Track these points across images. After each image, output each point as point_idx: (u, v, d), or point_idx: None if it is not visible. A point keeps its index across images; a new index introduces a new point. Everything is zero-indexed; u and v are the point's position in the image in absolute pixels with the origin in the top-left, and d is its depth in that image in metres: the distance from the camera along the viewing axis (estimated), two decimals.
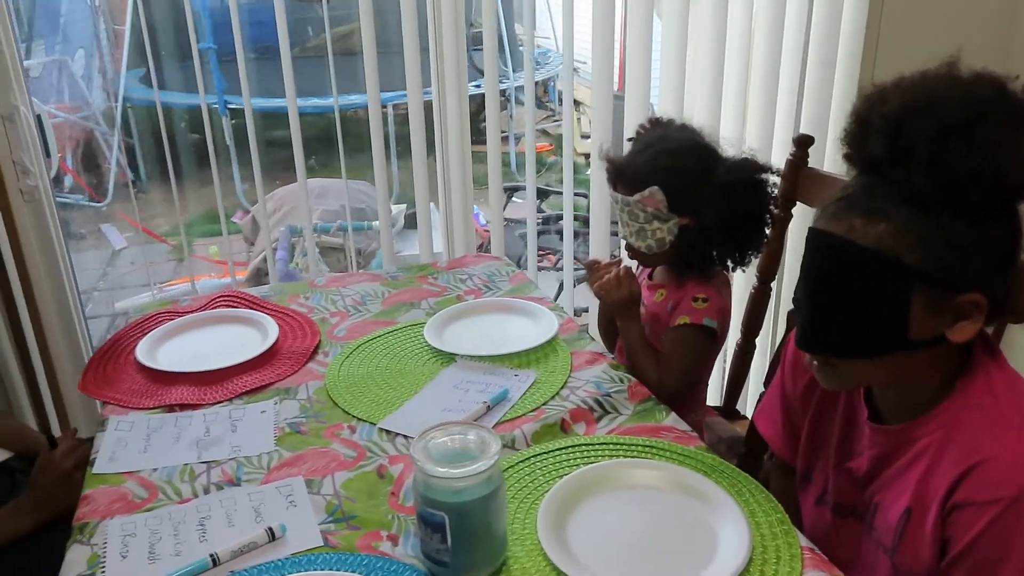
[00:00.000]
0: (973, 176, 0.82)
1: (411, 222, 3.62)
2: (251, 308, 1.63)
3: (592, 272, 1.49)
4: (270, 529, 1.00)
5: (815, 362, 0.98)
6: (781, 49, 2.12)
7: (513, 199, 4.32)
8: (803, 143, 1.54)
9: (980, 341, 0.94)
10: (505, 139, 4.85)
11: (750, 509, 1.01)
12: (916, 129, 0.84)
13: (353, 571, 0.93)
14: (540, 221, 3.77)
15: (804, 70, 2.14)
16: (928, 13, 2.11)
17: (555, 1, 5.59)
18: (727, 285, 1.50)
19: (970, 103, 0.83)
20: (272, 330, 1.52)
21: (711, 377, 1.68)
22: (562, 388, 1.31)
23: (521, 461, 1.13)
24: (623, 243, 1.55)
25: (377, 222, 3.39)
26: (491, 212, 2.35)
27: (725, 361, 2.12)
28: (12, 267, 1.75)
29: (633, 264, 1.53)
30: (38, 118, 1.85)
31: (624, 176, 1.42)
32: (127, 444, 1.22)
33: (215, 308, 1.64)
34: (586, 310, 2.82)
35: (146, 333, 1.53)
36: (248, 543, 0.99)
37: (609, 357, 1.42)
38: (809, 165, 1.54)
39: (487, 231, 3.01)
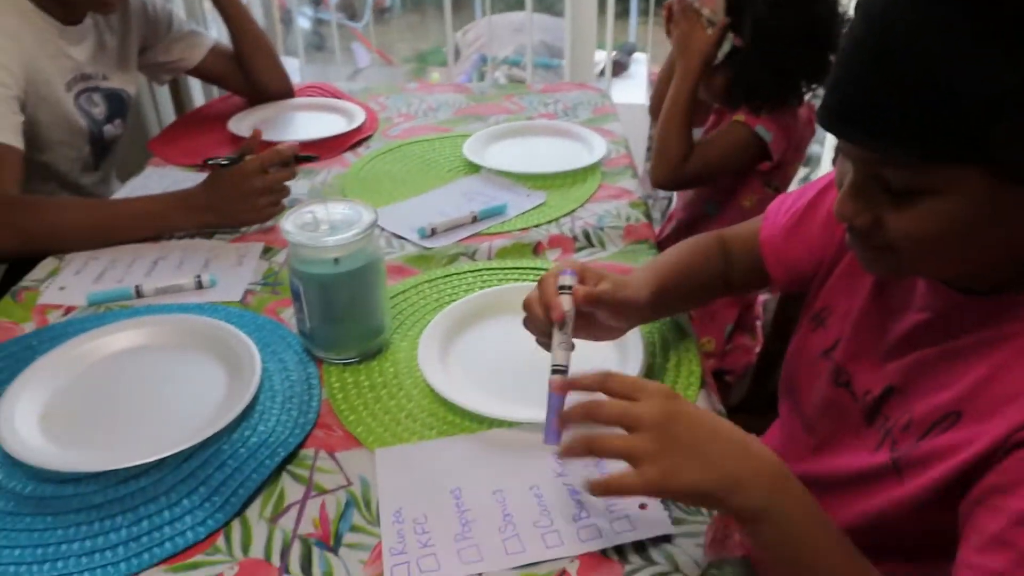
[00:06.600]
0: None
1: (619, 69, 3.47)
2: (332, 97, 1.65)
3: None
4: (198, 277, 1.04)
5: None
6: None
7: None
8: None
9: None
10: None
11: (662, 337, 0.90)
12: None
13: (241, 328, 0.93)
14: None
15: None
16: None
17: None
18: (795, 118, 1.31)
19: None
20: (337, 122, 1.54)
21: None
22: (565, 215, 1.22)
23: (471, 271, 1.07)
24: None
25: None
26: None
27: None
28: None
29: None
30: None
31: None
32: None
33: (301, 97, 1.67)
34: None
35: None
36: (173, 284, 1.03)
37: (637, 195, 1.29)
38: None
39: None
